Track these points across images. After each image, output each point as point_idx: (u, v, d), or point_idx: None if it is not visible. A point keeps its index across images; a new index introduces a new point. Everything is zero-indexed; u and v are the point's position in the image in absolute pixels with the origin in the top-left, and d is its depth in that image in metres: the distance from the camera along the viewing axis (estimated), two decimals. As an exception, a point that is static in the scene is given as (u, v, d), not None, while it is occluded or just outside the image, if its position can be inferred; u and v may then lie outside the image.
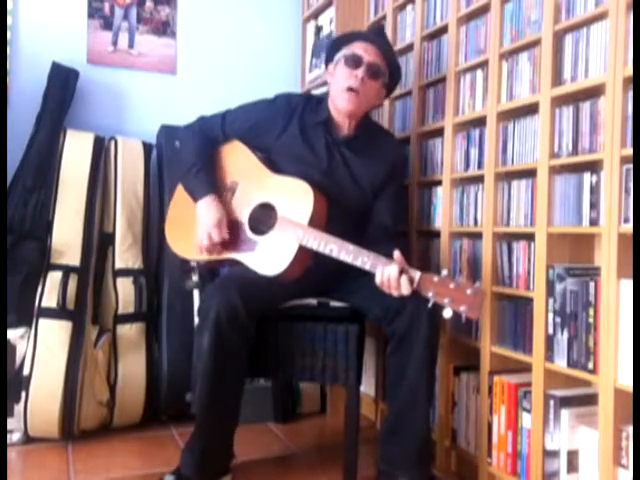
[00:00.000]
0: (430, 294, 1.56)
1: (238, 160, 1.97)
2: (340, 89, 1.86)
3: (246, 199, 1.90)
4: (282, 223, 1.79)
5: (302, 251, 1.75)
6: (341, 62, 1.89)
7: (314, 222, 1.76)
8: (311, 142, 1.91)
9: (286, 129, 1.92)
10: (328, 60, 1.98)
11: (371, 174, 1.93)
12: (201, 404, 1.73)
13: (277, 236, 1.79)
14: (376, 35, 1.97)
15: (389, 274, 1.59)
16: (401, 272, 1.58)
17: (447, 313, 1.54)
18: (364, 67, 1.85)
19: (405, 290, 1.58)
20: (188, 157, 1.97)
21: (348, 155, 1.92)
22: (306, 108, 1.94)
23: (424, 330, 1.70)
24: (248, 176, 1.93)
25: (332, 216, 1.82)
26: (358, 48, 1.88)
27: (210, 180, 1.93)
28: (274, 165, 1.92)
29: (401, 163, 2.03)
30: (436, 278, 1.57)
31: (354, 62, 1.85)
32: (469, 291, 1.53)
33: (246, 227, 1.87)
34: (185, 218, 1.99)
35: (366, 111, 1.96)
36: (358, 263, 1.65)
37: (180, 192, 2.05)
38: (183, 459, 1.77)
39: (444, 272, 1.57)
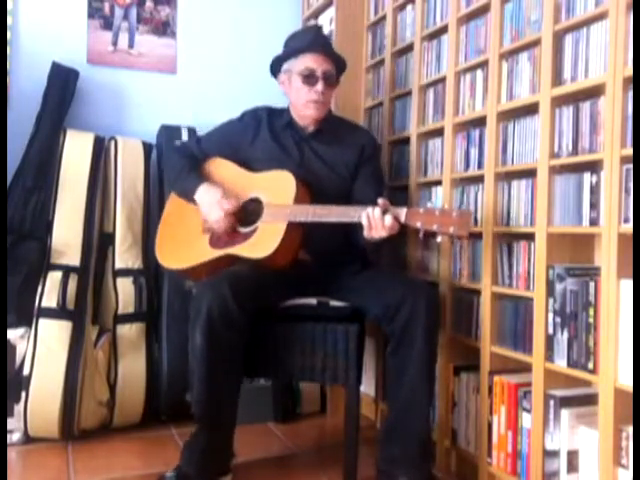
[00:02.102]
0: (419, 224, 1.64)
1: (220, 172, 2.04)
2: (303, 102, 1.98)
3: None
4: (269, 209, 1.86)
5: (291, 230, 1.80)
6: (296, 78, 1.97)
7: (299, 200, 1.84)
8: (282, 143, 2.02)
9: (257, 136, 2.03)
10: (275, 72, 2.06)
11: (344, 158, 2.01)
12: (198, 401, 1.74)
13: (266, 221, 1.85)
14: (317, 40, 2.01)
15: (372, 214, 1.66)
16: (384, 211, 1.66)
17: (438, 238, 1.66)
18: (321, 81, 1.95)
19: (389, 224, 1.65)
20: (173, 168, 2.07)
21: (317, 147, 2.01)
22: (271, 116, 2.06)
23: (423, 327, 1.71)
24: (231, 181, 2.00)
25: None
26: (309, 62, 1.96)
27: (200, 175, 2.01)
28: (254, 169, 2.00)
29: (371, 146, 2.06)
30: (422, 209, 1.66)
31: (310, 79, 1.95)
32: (454, 214, 1.61)
33: (236, 224, 1.91)
34: (174, 234, 2.03)
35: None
36: (347, 219, 1.73)
37: (168, 210, 2.10)
38: (183, 457, 1.78)
39: (429, 204, 1.62)
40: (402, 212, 1.66)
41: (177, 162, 2.06)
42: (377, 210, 1.66)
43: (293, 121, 2.03)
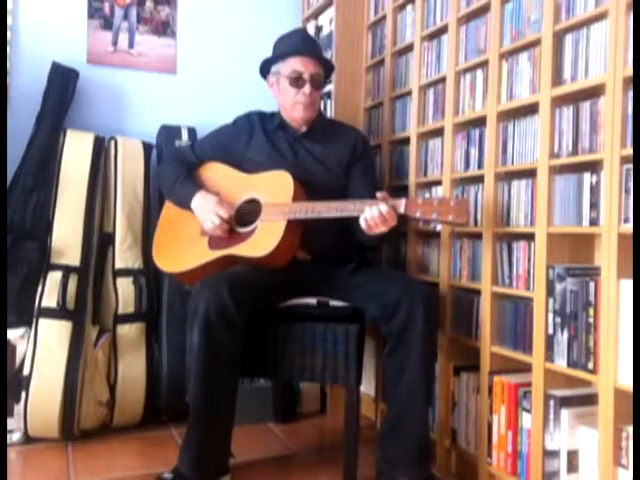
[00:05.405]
0: (418, 214, 1.66)
1: (216, 176, 2.07)
2: (291, 105, 2.02)
3: (230, 202, 1.96)
4: (268, 208, 1.87)
5: (291, 228, 1.81)
6: (284, 81, 2.01)
7: (297, 199, 1.85)
8: (276, 144, 2.05)
9: (252, 139, 2.06)
10: (265, 74, 2.09)
11: (335, 155, 2.04)
12: (195, 401, 1.74)
13: (265, 220, 1.86)
14: (305, 44, 2.05)
15: (371, 211, 1.68)
16: (383, 204, 1.67)
17: (438, 227, 1.68)
18: (308, 84, 1.99)
19: (387, 215, 1.66)
20: (169, 177, 2.08)
21: (311, 146, 2.05)
22: (263, 119, 2.11)
23: (421, 328, 1.71)
24: (228, 184, 2.02)
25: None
26: (297, 64, 1.99)
27: (196, 183, 2.04)
28: (250, 171, 2.02)
29: (362, 143, 2.10)
30: (420, 199, 1.70)
31: (297, 81, 1.99)
32: (452, 202, 1.64)
33: (234, 225, 1.92)
34: (173, 237, 2.03)
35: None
36: (346, 214, 1.75)
37: (164, 214, 2.11)
38: (181, 458, 1.78)
39: (427, 195, 1.62)
40: (401, 203, 1.69)
41: (172, 171, 2.08)
42: (374, 209, 1.67)
43: (285, 122, 2.06)
